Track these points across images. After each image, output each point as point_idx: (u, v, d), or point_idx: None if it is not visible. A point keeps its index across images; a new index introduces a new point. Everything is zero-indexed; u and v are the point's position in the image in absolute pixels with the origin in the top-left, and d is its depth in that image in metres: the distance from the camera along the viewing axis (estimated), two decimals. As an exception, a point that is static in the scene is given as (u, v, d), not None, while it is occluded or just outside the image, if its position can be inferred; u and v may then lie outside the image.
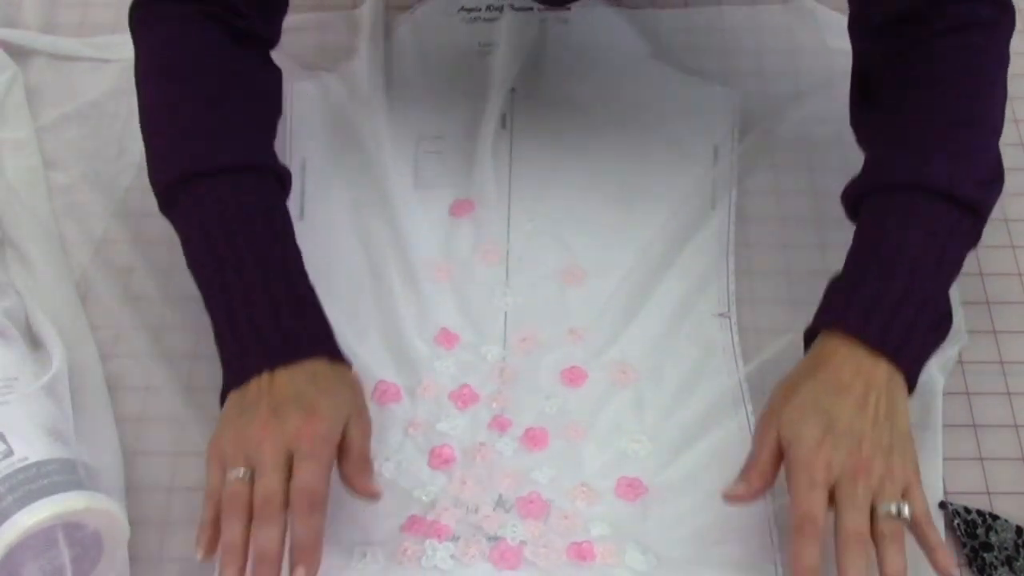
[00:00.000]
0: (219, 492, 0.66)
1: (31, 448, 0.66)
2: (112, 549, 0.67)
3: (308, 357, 0.69)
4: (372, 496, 0.69)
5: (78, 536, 0.65)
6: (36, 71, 0.92)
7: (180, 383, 0.77)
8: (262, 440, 0.66)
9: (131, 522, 0.68)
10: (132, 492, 0.73)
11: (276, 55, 0.94)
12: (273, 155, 0.76)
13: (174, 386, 0.77)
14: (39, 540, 0.63)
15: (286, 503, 0.65)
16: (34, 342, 0.77)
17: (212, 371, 0.78)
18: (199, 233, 0.72)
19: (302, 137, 0.89)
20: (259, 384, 0.68)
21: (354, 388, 0.71)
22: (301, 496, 0.65)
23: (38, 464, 0.65)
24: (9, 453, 0.65)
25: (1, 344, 0.73)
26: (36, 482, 0.64)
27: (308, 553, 0.65)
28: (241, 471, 0.66)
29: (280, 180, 0.76)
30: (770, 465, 0.68)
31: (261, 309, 0.69)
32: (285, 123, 0.90)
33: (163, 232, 0.84)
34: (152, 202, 0.85)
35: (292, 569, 0.64)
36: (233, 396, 0.69)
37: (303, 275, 0.72)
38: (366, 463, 0.69)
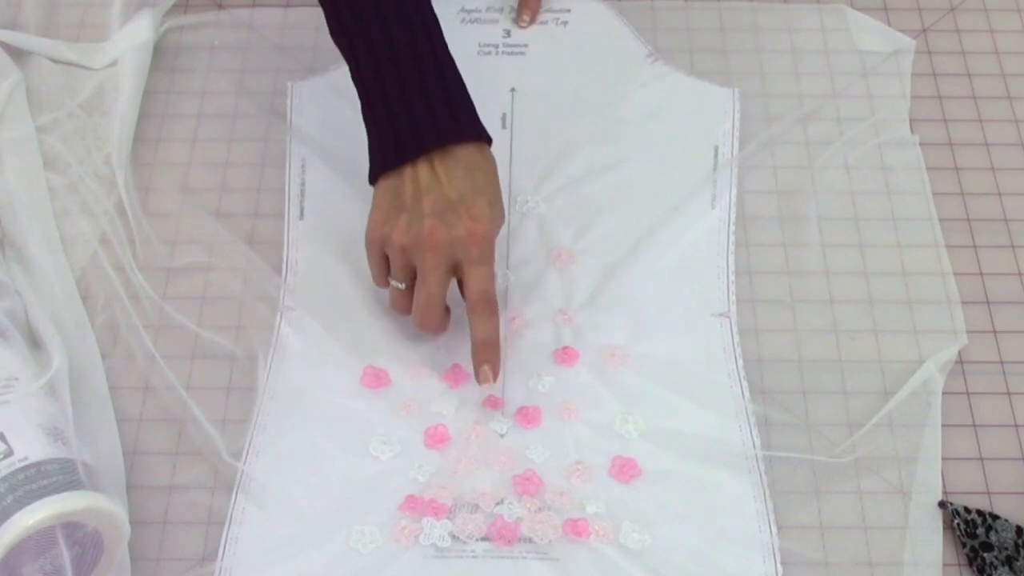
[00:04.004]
0: (382, 279, 0.75)
1: (31, 448, 0.66)
2: (112, 549, 0.67)
3: (460, 142, 0.73)
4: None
5: (78, 536, 0.65)
6: (36, 71, 0.92)
7: (180, 383, 0.77)
8: (428, 248, 0.71)
9: (131, 522, 0.68)
10: (132, 492, 0.73)
11: (276, 55, 0.94)
12: None
13: (174, 386, 0.77)
14: (39, 540, 0.63)
15: (443, 305, 0.74)
16: (34, 342, 0.77)
17: (212, 371, 0.78)
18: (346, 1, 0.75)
19: (302, 137, 0.89)
20: (415, 174, 0.72)
21: (494, 175, 0.74)
22: (480, 299, 0.72)
23: (38, 464, 0.65)
24: (9, 453, 0.65)
25: (1, 344, 0.73)
26: (36, 482, 0.64)
27: (493, 350, 0.73)
28: (403, 284, 0.74)
29: None
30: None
31: (412, 87, 0.73)
32: (285, 123, 0.90)
33: (163, 232, 0.84)
34: (152, 202, 0.86)
35: (477, 366, 0.73)
36: (388, 182, 0.73)
37: (445, 48, 0.75)
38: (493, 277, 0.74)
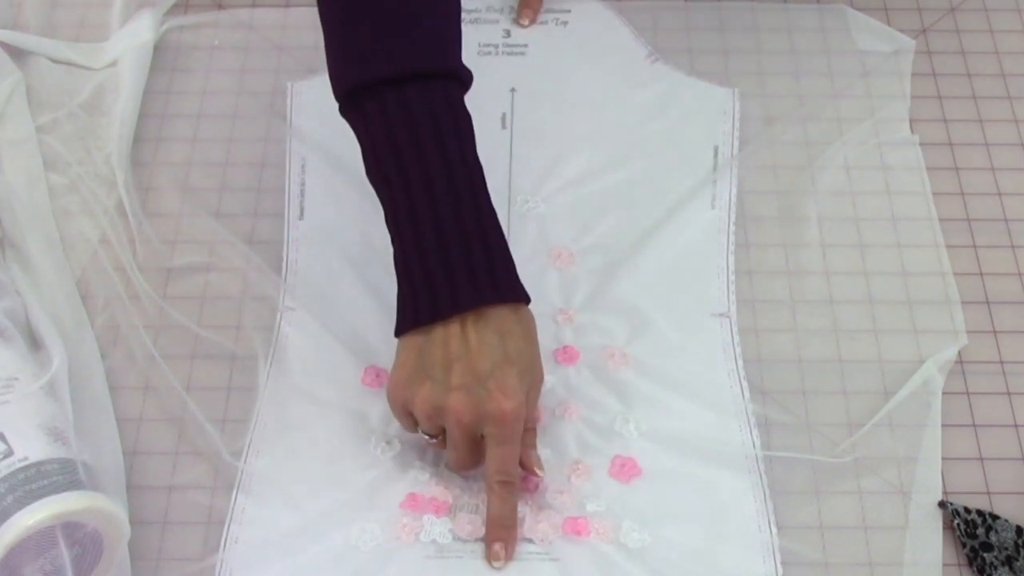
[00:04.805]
0: (410, 427, 0.72)
1: (31, 448, 0.66)
2: (112, 549, 0.67)
3: (495, 305, 0.69)
4: (537, 475, 0.71)
5: (78, 536, 0.65)
6: (36, 71, 0.92)
7: (180, 383, 0.77)
8: (455, 424, 0.68)
9: (131, 522, 0.68)
10: (132, 492, 0.73)
11: (276, 55, 0.94)
12: (458, 56, 0.74)
13: (174, 386, 0.77)
14: (39, 540, 0.63)
15: (473, 464, 0.71)
16: (34, 342, 0.77)
17: (212, 371, 0.78)
18: (387, 147, 0.70)
19: (302, 137, 0.89)
20: (446, 337, 0.68)
21: (531, 338, 0.71)
22: (500, 480, 0.69)
23: (38, 464, 0.65)
24: (9, 453, 0.65)
25: (1, 344, 0.73)
26: (36, 482, 0.64)
27: (508, 530, 0.70)
28: (433, 439, 0.71)
29: (464, 83, 0.74)
30: None
31: (454, 247, 0.68)
32: (285, 123, 0.90)
33: (163, 232, 0.84)
34: (152, 202, 0.86)
35: (489, 543, 0.70)
36: (415, 340, 0.69)
37: (488, 198, 0.71)
38: (535, 432, 0.73)
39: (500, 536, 0.70)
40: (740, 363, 0.78)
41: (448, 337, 0.69)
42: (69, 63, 0.93)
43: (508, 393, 0.67)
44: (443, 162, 0.70)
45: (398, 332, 0.71)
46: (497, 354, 0.68)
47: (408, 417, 0.71)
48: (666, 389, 0.77)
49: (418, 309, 0.69)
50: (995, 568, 0.70)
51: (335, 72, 0.73)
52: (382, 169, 0.71)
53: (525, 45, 0.95)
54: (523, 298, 0.71)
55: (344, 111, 0.73)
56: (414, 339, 0.70)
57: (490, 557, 0.69)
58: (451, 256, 0.69)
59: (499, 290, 0.70)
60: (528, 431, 0.71)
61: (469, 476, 0.73)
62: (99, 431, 0.74)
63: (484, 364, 0.68)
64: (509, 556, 0.69)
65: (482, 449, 0.70)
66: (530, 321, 0.71)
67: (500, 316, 0.69)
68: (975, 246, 0.84)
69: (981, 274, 0.83)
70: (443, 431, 0.70)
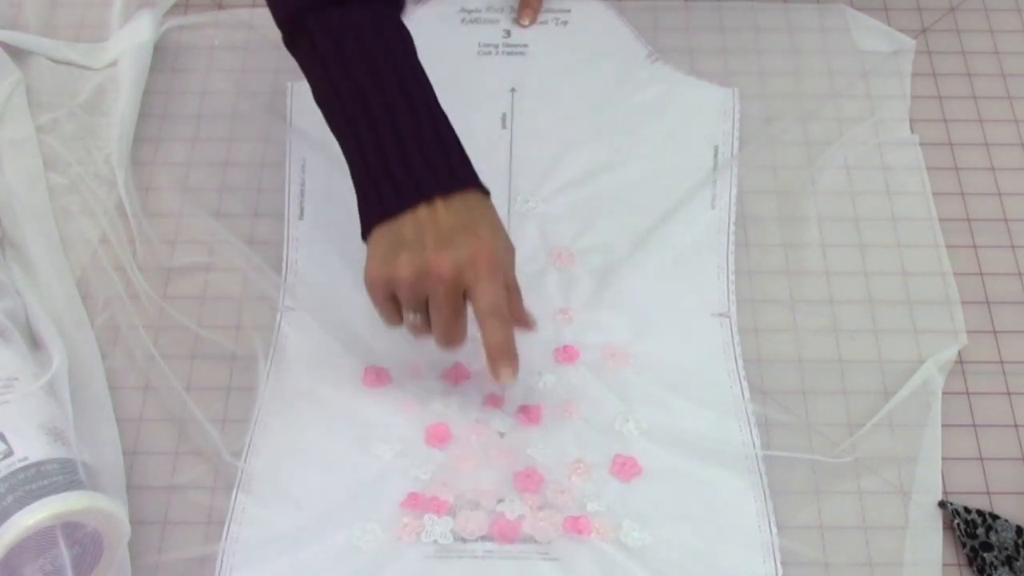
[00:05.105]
0: (394, 319, 0.72)
1: (31, 448, 0.66)
2: (112, 549, 0.67)
3: (461, 190, 0.71)
4: (530, 326, 0.73)
5: (78, 536, 0.65)
6: (36, 71, 0.92)
7: (180, 383, 0.77)
8: (438, 280, 0.68)
9: (131, 522, 0.68)
10: (132, 492, 0.73)
11: (276, 55, 0.94)
12: None
13: (174, 386, 0.77)
14: (39, 540, 0.63)
15: (463, 321, 0.71)
16: (34, 342, 0.77)
17: (212, 371, 0.78)
18: (337, 60, 0.72)
19: (302, 137, 0.89)
20: (416, 217, 0.70)
21: (496, 219, 0.72)
22: (490, 311, 0.69)
23: (38, 464, 0.65)
24: (9, 453, 0.65)
25: (1, 344, 0.73)
26: (36, 482, 0.64)
27: (510, 353, 0.70)
28: (418, 315, 0.71)
29: (399, 6, 0.76)
30: None
31: (412, 141, 0.71)
32: (285, 123, 0.90)
33: (163, 232, 0.84)
34: (152, 202, 0.86)
35: (497, 372, 0.69)
36: (384, 229, 0.70)
37: (436, 99, 0.74)
38: (519, 292, 0.73)
39: (502, 359, 0.69)
40: (740, 363, 0.78)
41: (417, 214, 0.70)
42: (69, 63, 0.93)
43: (483, 239, 0.69)
44: (392, 68, 0.72)
45: (366, 229, 0.72)
46: (467, 219, 0.70)
47: (390, 302, 0.71)
48: (666, 388, 0.77)
49: (383, 202, 0.71)
50: (995, 568, 0.70)
51: (278, 4, 0.75)
52: (333, 83, 0.72)
53: (525, 45, 0.95)
54: (483, 188, 0.73)
55: (289, 38, 0.75)
56: (382, 229, 0.71)
57: (500, 378, 0.69)
58: (409, 149, 0.71)
59: (460, 177, 0.72)
60: (511, 293, 0.72)
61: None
62: (99, 431, 0.75)
63: (456, 226, 0.69)
64: (514, 378, 0.69)
65: (466, 316, 0.71)
66: (493, 208, 0.73)
67: (464, 198, 0.71)
68: (975, 246, 0.84)
69: (981, 274, 0.83)
70: (427, 306, 0.70)
